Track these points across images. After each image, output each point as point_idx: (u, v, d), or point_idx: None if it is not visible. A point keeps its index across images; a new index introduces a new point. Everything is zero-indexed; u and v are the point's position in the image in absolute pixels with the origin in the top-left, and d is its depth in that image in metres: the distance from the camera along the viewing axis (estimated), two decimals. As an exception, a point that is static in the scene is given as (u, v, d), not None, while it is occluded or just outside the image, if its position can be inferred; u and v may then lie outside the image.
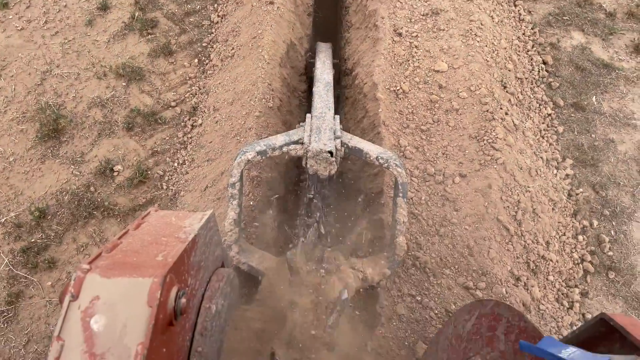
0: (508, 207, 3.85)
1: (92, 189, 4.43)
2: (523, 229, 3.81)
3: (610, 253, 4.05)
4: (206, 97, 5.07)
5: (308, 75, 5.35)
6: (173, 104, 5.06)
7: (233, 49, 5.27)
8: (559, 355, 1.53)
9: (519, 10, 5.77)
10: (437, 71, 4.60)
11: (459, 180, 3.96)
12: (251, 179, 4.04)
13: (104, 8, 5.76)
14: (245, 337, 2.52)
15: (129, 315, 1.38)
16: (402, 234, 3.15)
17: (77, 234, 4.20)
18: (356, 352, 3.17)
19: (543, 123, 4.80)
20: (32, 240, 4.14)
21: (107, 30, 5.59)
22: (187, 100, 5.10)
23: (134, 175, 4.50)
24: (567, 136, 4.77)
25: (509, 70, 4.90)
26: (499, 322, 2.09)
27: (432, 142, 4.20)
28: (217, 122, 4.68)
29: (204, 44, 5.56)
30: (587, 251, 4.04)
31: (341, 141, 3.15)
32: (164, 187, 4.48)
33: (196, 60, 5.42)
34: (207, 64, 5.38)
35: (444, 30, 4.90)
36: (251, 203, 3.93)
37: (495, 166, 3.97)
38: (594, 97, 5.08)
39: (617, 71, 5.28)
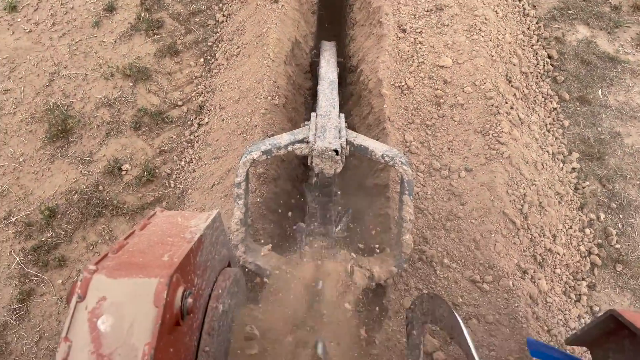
0: (514, 200, 3.85)
1: (100, 188, 4.48)
2: (529, 222, 3.81)
3: (618, 246, 4.05)
4: (212, 95, 5.10)
5: (313, 73, 5.37)
6: (179, 103, 5.10)
7: (238, 47, 5.30)
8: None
9: (523, 5, 5.76)
10: (442, 66, 4.60)
11: (465, 175, 3.97)
12: (258, 176, 4.07)
13: (110, 9, 5.81)
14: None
15: (135, 315, 1.38)
16: (408, 232, 3.15)
17: (86, 232, 4.25)
18: (364, 346, 3.18)
19: (549, 117, 4.80)
20: (43, 239, 4.19)
21: (114, 31, 5.65)
22: (194, 99, 5.14)
23: (142, 174, 4.54)
24: (573, 130, 4.77)
25: (514, 65, 4.90)
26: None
27: (438, 137, 4.22)
28: (223, 120, 4.71)
29: (210, 43, 5.60)
30: (594, 244, 4.03)
31: (346, 139, 3.16)
32: (172, 185, 4.52)
33: (202, 60, 5.46)
34: (212, 63, 5.42)
35: (448, 25, 4.91)
36: (258, 200, 3.96)
37: (500, 160, 3.98)
38: (600, 90, 5.07)
39: (622, 64, 5.26)
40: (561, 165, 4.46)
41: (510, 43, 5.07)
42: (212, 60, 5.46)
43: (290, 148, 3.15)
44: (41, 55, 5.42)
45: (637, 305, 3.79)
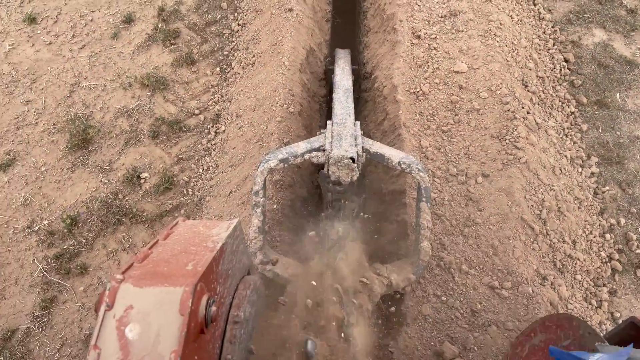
0: (532, 206, 3.83)
1: (120, 196, 4.55)
2: (548, 227, 3.78)
3: (639, 251, 3.99)
4: (229, 104, 5.16)
5: (327, 81, 5.40)
6: (197, 111, 5.17)
7: (254, 56, 5.36)
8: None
9: (538, 9, 5.74)
10: (457, 72, 4.60)
11: (482, 180, 3.96)
12: (274, 183, 4.10)
13: (129, 21, 5.92)
14: (271, 344, 2.54)
15: (161, 323, 1.40)
16: (426, 239, 3.14)
17: (106, 240, 4.32)
18: (380, 353, 3.18)
19: (566, 121, 4.76)
20: (65, 247, 4.26)
21: (132, 42, 5.75)
22: (210, 107, 5.20)
23: (161, 182, 4.61)
24: (592, 134, 4.72)
25: (530, 69, 4.88)
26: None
27: (454, 143, 4.21)
28: (239, 129, 4.76)
29: (225, 53, 5.67)
30: (614, 249, 3.99)
31: (362, 147, 3.18)
32: (190, 193, 4.58)
33: (218, 69, 5.53)
34: (228, 72, 5.48)
35: (462, 31, 4.91)
36: (275, 207, 3.99)
37: (518, 165, 3.96)
38: (618, 94, 5.02)
39: (640, 67, 5.21)
40: (580, 169, 4.42)
41: (525, 47, 5.05)
42: (228, 69, 5.52)
43: (306, 156, 3.17)
44: (61, 67, 5.53)
45: (660, 312, 3.73)
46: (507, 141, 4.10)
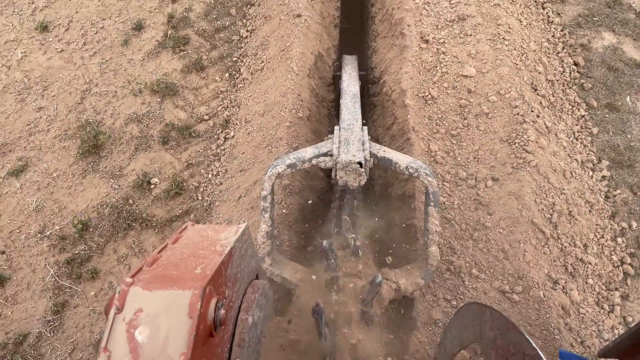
0: (543, 209, 3.81)
1: (130, 201, 4.59)
2: (559, 231, 3.75)
3: (652, 255, 3.95)
4: (238, 109, 5.19)
5: (336, 86, 5.42)
6: (206, 117, 5.20)
7: (262, 62, 5.39)
8: None
9: (547, 13, 5.72)
10: (466, 76, 4.60)
11: (492, 184, 3.94)
12: (283, 188, 4.11)
13: (139, 28, 5.98)
14: (280, 348, 2.54)
15: (171, 326, 1.41)
16: (434, 244, 3.14)
17: (117, 245, 4.35)
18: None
19: (576, 125, 4.73)
20: (76, 251, 4.30)
21: (142, 49, 5.80)
22: (220, 113, 5.24)
23: (170, 187, 4.64)
24: (602, 137, 4.69)
25: (539, 73, 4.86)
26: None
27: (463, 147, 4.20)
28: (249, 134, 4.79)
29: (234, 59, 5.71)
30: (626, 253, 3.94)
31: (370, 152, 3.18)
32: (199, 198, 4.60)
33: (227, 75, 5.57)
34: (237, 78, 5.52)
35: (471, 35, 4.91)
36: (284, 211, 4.00)
37: (528, 169, 3.94)
38: (628, 97, 4.99)
39: (651, 70, 5.17)
40: (591, 173, 4.39)
41: (535, 51, 5.03)
42: (237, 75, 5.56)
43: (314, 161, 3.18)
44: (73, 74, 5.60)
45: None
46: (516, 145, 4.08)
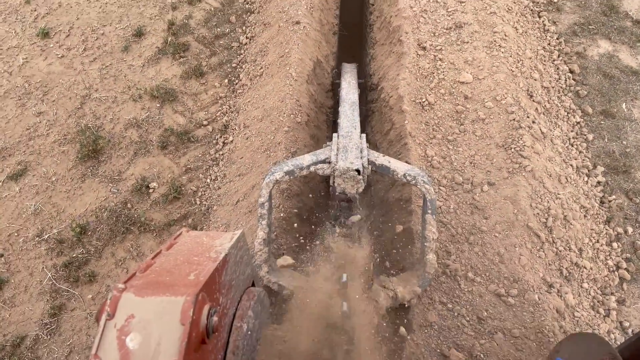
0: (538, 214, 3.83)
1: (129, 205, 4.61)
2: (554, 235, 3.77)
3: (647, 260, 3.97)
4: (236, 115, 5.23)
5: (334, 92, 5.46)
6: (205, 122, 5.24)
7: (261, 68, 5.44)
8: None
9: (543, 21, 5.79)
10: (462, 82, 4.64)
11: (488, 189, 3.97)
12: (281, 192, 4.13)
13: (139, 35, 6.04)
14: (276, 355, 2.54)
15: (162, 333, 1.40)
16: (432, 251, 3.15)
17: (115, 248, 4.36)
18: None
19: (572, 131, 4.77)
20: (74, 255, 4.31)
21: (142, 55, 5.86)
22: (218, 118, 5.28)
23: (169, 192, 4.66)
24: (598, 144, 4.73)
25: (535, 80, 4.91)
26: None
27: (459, 152, 4.23)
28: (247, 139, 4.82)
29: (234, 65, 5.76)
30: (622, 258, 3.96)
31: (368, 159, 3.21)
32: (198, 202, 4.62)
33: (226, 81, 5.61)
34: (236, 84, 5.57)
35: (468, 42, 4.96)
36: (281, 215, 4.02)
37: (523, 174, 3.97)
38: (624, 104, 5.03)
39: (646, 78, 5.22)
40: (586, 178, 4.42)
41: (530, 58, 5.09)
42: (236, 80, 5.61)
43: (312, 168, 3.21)
44: (73, 79, 5.64)
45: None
46: (512, 150, 4.12)
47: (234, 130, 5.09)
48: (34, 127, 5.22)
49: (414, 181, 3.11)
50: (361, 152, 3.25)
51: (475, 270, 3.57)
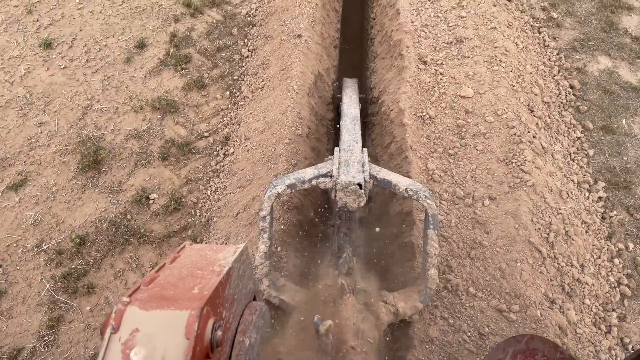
0: (539, 229, 3.82)
1: (129, 216, 4.59)
2: (556, 251, 3.76)
3: (649, 276, 3.96)
4: (238, 127, 5.24)
5: (335, 105, 5.48)
6: (206, 134, 5.25)
7: (263, 80, 5.46)
8: None
9: (543, 37, 5.83)
10: (463, 97, 4.67)
11: (489, 203, 3.97)
12: (282, 204, 4.13)
13: (141, 46, 6.07)
14: None
15: (167, 347, 1.39)
16: (434, 267, 3.13)
17: (114, 260, 4.34)
18: None
19: (573, 146, 4.79)
20: (73, 266, 4.29)
21: (144, 67, 5.88)
22: (220, 130, 5.28)
23: (169, 203, 4.65)
24: (598, 159, 4.74)
25: (536, 95, 4.94)
26: (535, 357, 2.05)
27: (460, 166, 4.24)
28: (248, 150, 4.82)
29: (235, 77, 5.78)
30: (623, 274, 3.95)
31: (370, 173, 3.21)
32: (198, 214, 4.61)
33: (228, 93, 5.63)
34: (238, 96, 5.58)
35: (468, 57, 4.99)
36: (282, 227, 4.01)
37: (525, 189, 3.97)
38: (624, 120, 5.05)
39: (646, 94, 5.25)
40: (587, 194, 4.42)
41: (531, 73, 5.12)
42: (238, 93, 5.63)
43: (314, 182, 3.21)
44: (75, 90, 5.66)
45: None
46: (513, 164, 4.12)
47: (235, 142, 5.10)
48: (35, 137, 5.21)
49: (415, 196, 3.10)
50: (363, 166, 3.25)
51: (477, 285, 3.55)
